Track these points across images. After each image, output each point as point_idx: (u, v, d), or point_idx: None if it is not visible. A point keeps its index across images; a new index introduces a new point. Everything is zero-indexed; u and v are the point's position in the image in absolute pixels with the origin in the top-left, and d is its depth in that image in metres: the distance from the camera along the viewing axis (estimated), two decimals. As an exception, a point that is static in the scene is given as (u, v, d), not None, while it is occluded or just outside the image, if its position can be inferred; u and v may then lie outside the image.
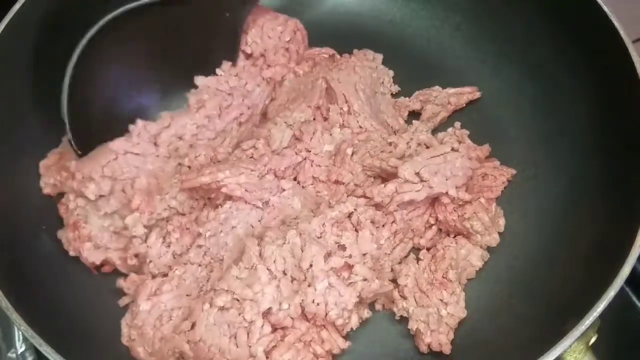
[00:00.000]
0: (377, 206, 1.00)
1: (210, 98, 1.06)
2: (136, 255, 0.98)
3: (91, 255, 0.98)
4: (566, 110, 1.09)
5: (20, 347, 1.05)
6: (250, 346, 0.87)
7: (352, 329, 0.94)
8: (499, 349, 0.92)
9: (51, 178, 1.03)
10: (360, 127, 1.08)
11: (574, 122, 1.07)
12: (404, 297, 0.96)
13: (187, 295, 0.95)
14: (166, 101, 1.07)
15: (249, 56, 1.13)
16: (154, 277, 0.97)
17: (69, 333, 0.91)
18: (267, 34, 1.12)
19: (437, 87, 1.17)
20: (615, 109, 1.01)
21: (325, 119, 1.10)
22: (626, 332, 1.05)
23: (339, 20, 1.26)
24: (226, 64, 1.11)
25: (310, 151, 1.05)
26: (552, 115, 1.11)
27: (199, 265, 0.97)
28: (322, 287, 0.90)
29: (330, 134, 1.07)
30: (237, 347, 0.87)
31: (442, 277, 0.96)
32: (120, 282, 0.99)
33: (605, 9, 1.00)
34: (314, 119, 1.10)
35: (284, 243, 0.93)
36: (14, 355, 1.05)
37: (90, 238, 0.98)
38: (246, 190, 0.98)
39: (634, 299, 1.08)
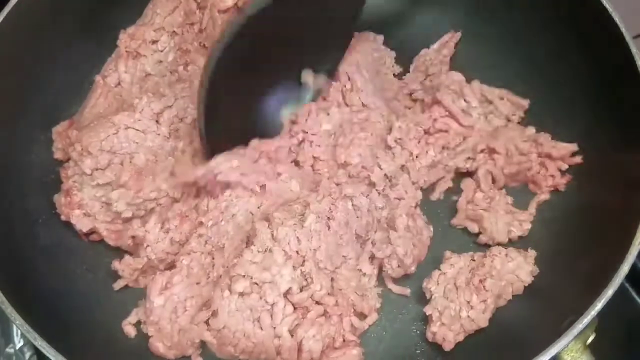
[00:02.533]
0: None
1: None
2: (133, 237, 0.99)
3: (79, 223, 0.99)
4: (567, 109, 1.08)
5: (19, 343, 1.05)
6: (274, 327, 0.89)
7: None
8: (496, 347, 0.92)
9: (60, 143, 1.06)
10: (363, 104, 1.08)
11: (574, 121, 1.07)
12: (437, 282, 0.96)
13: (197, 284, 0.96)
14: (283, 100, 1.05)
15: None
16: (154, 267, 0.98)
17: (65, 328, 0.92)
18: None
19: (423, 51, 1.19)
20: (616, 107, 1.01)
21: (324, 98, 1.09)
22: (625, 330, 1.05)
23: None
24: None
25: (307, 132, 1.05)
26: (553, 114, 1.10)
27: (202, 253, 0.97)
28: None
29: (328, 114, 1.06)
30: (262, 329, 0.89)
31: (479, 282, 0.94)
32: (115, 264, 0.99)
33: (606, 4, 0.99)
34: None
35: (294, 224, 0.94)
36: (12, 351, 1.05)
37: (81, 206, 0.99)
38: (242, 174, 0.98)
39: (634, 295, 1.07)
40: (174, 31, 1.13)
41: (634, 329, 1.06)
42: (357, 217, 1.00)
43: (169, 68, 1.13)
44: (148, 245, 0.97)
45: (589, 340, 0.87)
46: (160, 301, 0.93)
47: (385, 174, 1.03)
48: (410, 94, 1.15)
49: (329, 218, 0.97)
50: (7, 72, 1.02)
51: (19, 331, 1.05)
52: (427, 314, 0.95)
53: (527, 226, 1.03)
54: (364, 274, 0.98)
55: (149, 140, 1.02)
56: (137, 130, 1.01)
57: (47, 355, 0.82)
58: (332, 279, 0.95)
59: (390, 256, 0.97)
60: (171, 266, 0.98)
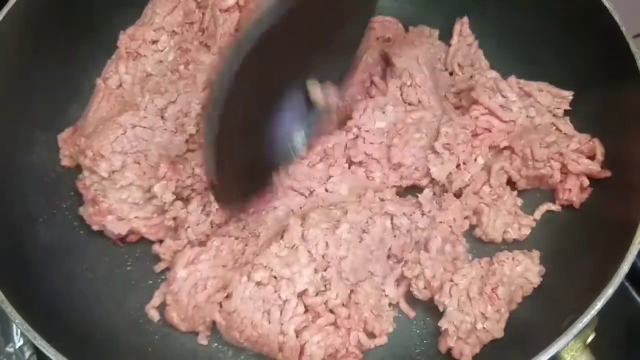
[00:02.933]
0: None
1: None
2: (174, 219, 0.99)
3: (116, 227, 0.99)
4: (569, 112, 1.08)
5: (19, 342, 1.05)
6: (282, 324, 0.89)
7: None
8: (496, 346, 0.91)
9: (67, 150, 1.07)
10: (419, 101, 1.07)
11: (575, 120, 1.07)
12: (449, 294, 0.93)
13: (222, 266, 0.96)
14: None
15: None
16: (191, 244, 0.98)
17: (65, 327, 0.91)
18: None
19: (451, 50, 1.18)
20: (616, 107, 1.01)
21: (383, 94, 1.09)
22: (625, 329, 1.04)
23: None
24: None
25: (360, 128, 1.04)
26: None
27: (236, 239, 0.98)
28: None
29: (383, 112, 1.05)
30: (269, 323, 0.89)
31: (491, 291, 0.92)
32: (156, 248, 1.00)
33: (607, 4, 0.99)
34: (364, 96, 1.10)
35: (327, 228, 0.94)
36: (11, 350, 1.04)
37: (111, 211, 0.99)
38: (295, 180, 0.99)
39: (634, 294, 1.07)
40: (173, 30, 1.13)
41: (634, 328, 1.05)
42: (395, 236, 0.99)
43: (169, 67, 1.13)
44: (189, 227, 0.98)
45: (589, 340, 0.86)
46: (183, 274, 0.94)
47: (434, 193, 1.03)
48: (458, 93, 1.13)
49: (363, 231, 0.97)
50: (6, 72, 1.02)
51: (18, 330, 1.05)
52: (443, 328, 0.92)
53: (526, 231, 1.02)
54: (386, 295, 0.97)
55: (157, 136, 1.03)
56: (144, 127, 1.02)
57: (47, 354, 0.82)
58: (351, 291, 0.94)
59: (417, 277, 0.95)
60: (203, 243, 0.99)
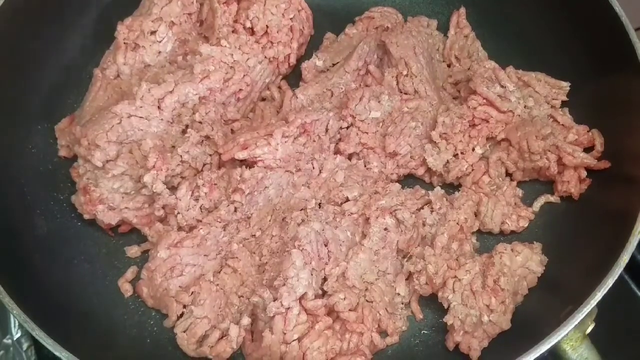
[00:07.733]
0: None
1: (215, 70, 1.05)
2: (163, 207, 0.99)
3: (106, 217, 0.99)
4: (568, 100, 1.08)
5: (16, 334, 1.05)
6: (285, 333, 0.87)
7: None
8: (496, 336, 0.91)
9: (63, 140, 1.06)
10: (416, 90, 1.07)
11: (575, 113, 1.06)
12: (452, 289, 0.93)
13: (204, 255, 0.96)
14: None
15: (251, 32, 1.11)
16: (179, 229, 0.98)
17: (63, 318, 0.91)
18: (270, 9, 1.11)
19: (447, 42, 1.18)
20: (617, 99, 1.01)
21: (379, 83, 1.09)
22: (625, 319, 1.05)
23: (338, 4, 1.25)
24: (232, 37, 1.09)
25: (355, 117, 1.04)
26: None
27: (224, 229, 0.98)
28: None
29: (378, 101, 1.05)
30: (272, 334, 0.87)
31: (494, 283, 0.91)
32: (145, 230, 1.00)
33: (609, -2, 0.99)
34: (360, 84, 1.10)
35: (326, 223, 0.96)
36: (9, 342, 1.04)
37: (102, 200, 0.98)
38: (281, 160, 1.00)
39: (634, 287, 1.07)
40: (172, 21, 1.12)
41: (633, 320, 1.06)
42: (401, 231, 0.99)
43: (168, 59, 1.12)
44: (179, 213, 0.98)
45: (589, 330, 0.87)
46: (164, 254, 0.94)
47: (444, 193, 1.03)
48: (456, 84, 1.13)
49: (364, 234, 0.98)
50: (4, 64, 1.01)
51: (16, 322, 1.05)
52: (449, 323, 0.91)
53: (524, 224, 1.01)
54: (398, 294, 0.97)
55: (154, 126, 1.02)
56: (140, 117, 1.01)
57: (45, 345, 0.81)
58: (366, 289, 0.94)
59: (420, 272, 0.95)
60: (191, 229, 0.98)
